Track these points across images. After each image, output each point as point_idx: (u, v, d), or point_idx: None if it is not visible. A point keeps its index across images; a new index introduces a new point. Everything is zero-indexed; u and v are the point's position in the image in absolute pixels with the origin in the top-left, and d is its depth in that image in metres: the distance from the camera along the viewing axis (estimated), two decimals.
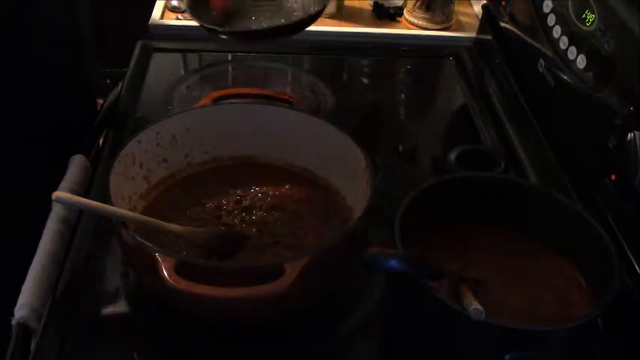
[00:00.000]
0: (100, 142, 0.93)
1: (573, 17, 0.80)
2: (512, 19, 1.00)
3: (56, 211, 0.77)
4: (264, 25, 1.02)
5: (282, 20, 1.02)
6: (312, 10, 1.00)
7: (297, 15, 1.03)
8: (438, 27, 1.21)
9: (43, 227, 0.76)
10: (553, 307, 0.65)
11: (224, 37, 0.99)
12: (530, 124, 0.92)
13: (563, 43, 0.82)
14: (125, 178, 0.73)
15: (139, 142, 0.75)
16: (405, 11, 1.24)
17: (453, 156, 0.85)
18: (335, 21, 1.22)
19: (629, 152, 0.66)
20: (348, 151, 0.75)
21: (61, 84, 0.93)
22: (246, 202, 0.78)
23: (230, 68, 1.12)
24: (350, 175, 0.75)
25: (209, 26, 0.97)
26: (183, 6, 1.20)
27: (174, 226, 0.69)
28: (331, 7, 1.22)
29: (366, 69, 1.15)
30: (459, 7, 1.26)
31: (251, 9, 1.04)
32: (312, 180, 0.80)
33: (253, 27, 1.01)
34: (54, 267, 0.73)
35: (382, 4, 1.25)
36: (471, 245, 0.70)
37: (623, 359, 0.68)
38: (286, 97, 0.83)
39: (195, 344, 0.67)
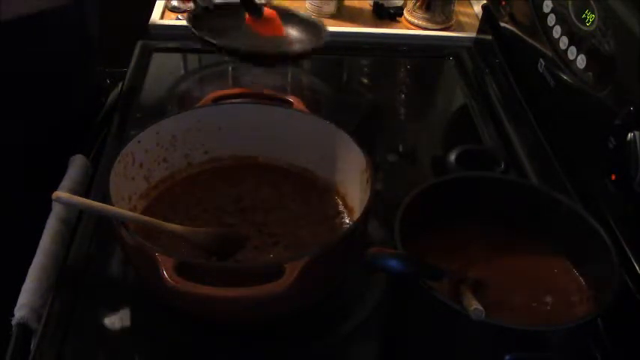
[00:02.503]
0: (100, 142, 0.93)
1: (573, 17, 0.80)
2: (512, 19, 1.00)
3: (56, 211, 0.77)
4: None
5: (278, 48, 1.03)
6: (310, 45, 1.03)
7: (299, 46, 1.04)
8: (438, 27, 1.21)
9: (43, 227, 0.76)
10: (553, 307, 0.65)
11: (226, 57, 1.01)
12: (530, 124, 0.92)
13: (563, 43, 0.82)
14: (125, 178, 0.73)
15: (139, 142, 0.75)
16: (405, 11, 1.24)
17: (453, 156, 0.85)
18: (335, 21, 1.21)
19: (629, 152, 0.66)
20: (348, 151, 0.75)
21: (63, 84, 0.93)
22: (246, 202, 0.78)
23: (230, 68, 1.12)
24: (350, 175, 0.75)
25: (212, 41, 0.98)
26: (183, 7, 1.20)
27: (174, 226, 0.69)
28: (331, 7, 1.22)
29: (366, 69, 1.15)
30: (459, 7, 1.26)
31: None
32: (312, 180, 0.80)
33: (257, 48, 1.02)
34: (54, 267, 0.73)
35: (382, 4, 1.25)
36: (471, 245, 0.70)
37: (623, 359, 0.68)
38: (286, 97, 0.83)
39: (195, 344, 0.67)
